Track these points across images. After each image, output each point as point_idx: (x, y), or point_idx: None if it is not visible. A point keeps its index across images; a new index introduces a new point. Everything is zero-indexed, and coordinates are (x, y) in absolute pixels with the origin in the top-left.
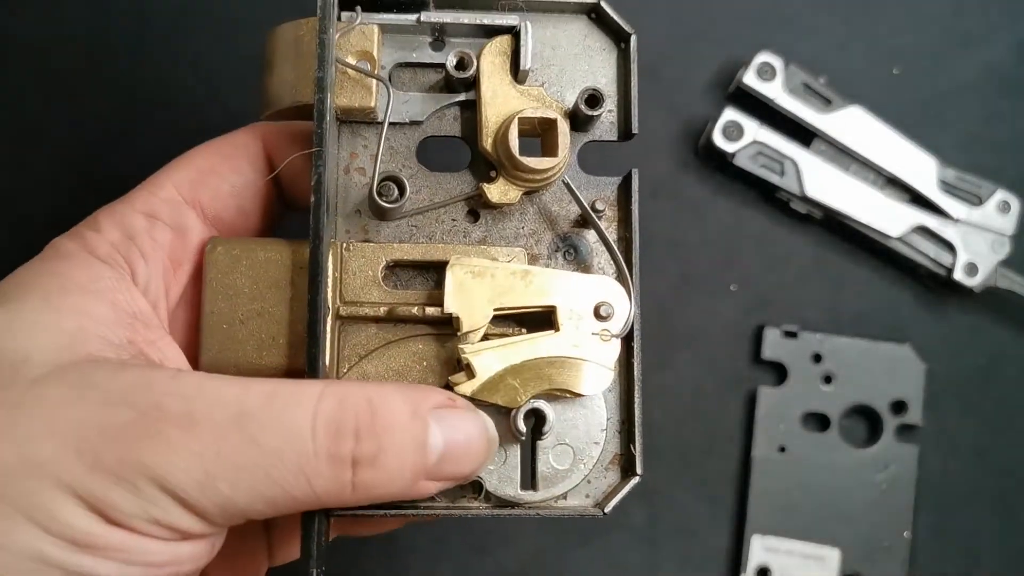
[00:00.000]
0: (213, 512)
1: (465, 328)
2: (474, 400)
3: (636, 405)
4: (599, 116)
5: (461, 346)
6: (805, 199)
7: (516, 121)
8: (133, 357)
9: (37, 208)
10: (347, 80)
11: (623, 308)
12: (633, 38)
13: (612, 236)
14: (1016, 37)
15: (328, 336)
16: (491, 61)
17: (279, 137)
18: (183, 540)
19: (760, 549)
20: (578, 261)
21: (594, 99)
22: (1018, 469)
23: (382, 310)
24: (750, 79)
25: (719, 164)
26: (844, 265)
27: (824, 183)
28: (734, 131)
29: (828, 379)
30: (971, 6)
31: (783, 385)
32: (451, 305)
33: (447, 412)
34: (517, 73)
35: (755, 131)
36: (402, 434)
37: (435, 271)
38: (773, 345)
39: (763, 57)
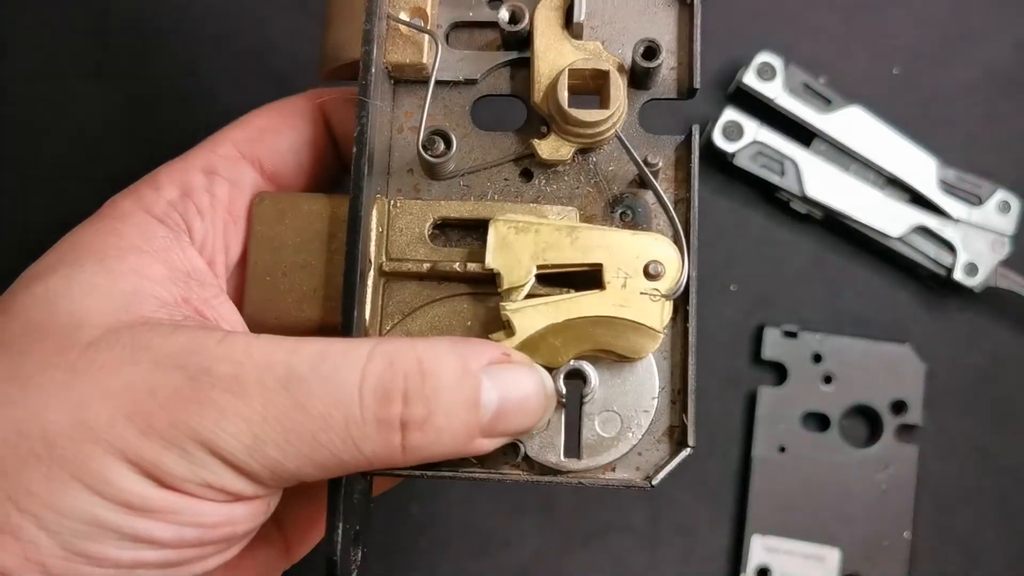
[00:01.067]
0: (264, 475)
1: (507, 285)
2: None
3: (690, 373)
4: (657, 69)
5: (503, 303)
6: (805, 199)
7: (567, 72)
8: (187, 317)
9: (38, 209)
10: (399, 37)
11: (675, 268)
12: None
13: (669, 198)
14: (1016, 37)
15: (370, 291)
16: (546, 16)
17: (335, 100)
18: (236, 501)
19: (760, 549)
20: (635, 223)
21: (651, 51)
22: (1018, 469)
23: (425, 267)
24: (750, 79)
25: (719, 164)
26: (844, 265)
27: (824, 183)
28: (734, 131)
29: (828, 379)
30: (971, 6)
31: (783, 385)
32: (492, 261)
33: (501, 368)
34: (572, 27)
35: (755, 131)
36: (453, 394)
37: (485, 232)
38: (773, 345)
39: (763, 57)
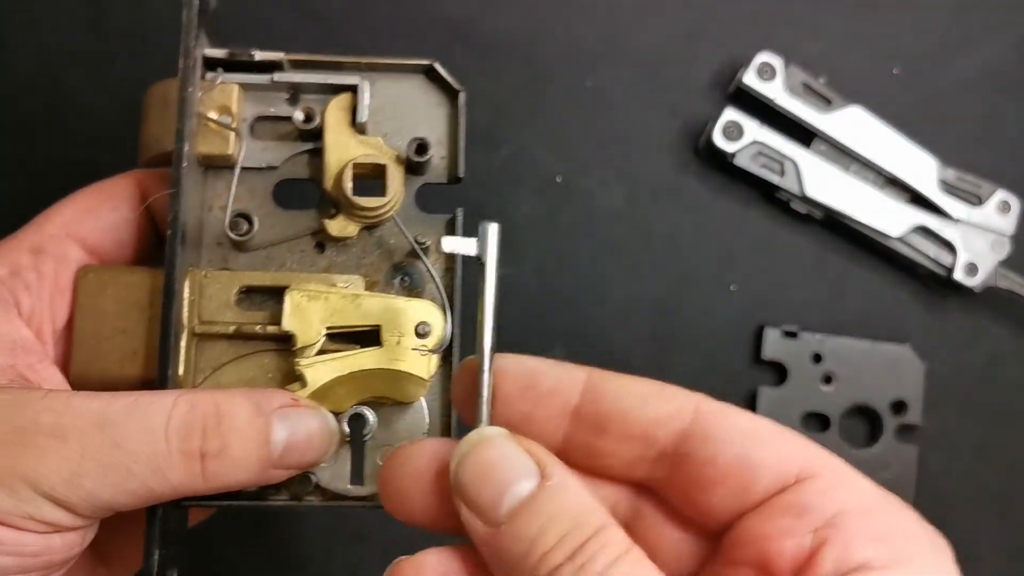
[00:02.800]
0: (81, 507)
1: (300, 344)
2: None
3: (453, 414)
4: (427, 161)
5: (297, 359)
6: (805, 199)
7: (350, 166)
8: (12, 381)
9: (38, 209)
10: (208, 131)
11: (439, 328)
12: (461, 95)
13: (440, 267)
14: (1016, 37)
15: (183, 351)
16: (335, 115)
17: (153, 181)
18: (55, 532)
19: None
20: (412, 286)
21: (421, 147)
22: (1018, 469)
23: (231, 328)
24: (750, 79)
25: (719, 164)
26: (844, 265)
27: (824, 183)
28: (734, 131)
29: (828, 379)
30: (971, 6)
31: (783, 385)
32: (288, 324)
33: (290, 411)
34: (357, 124)
35: (755, 131)
36: (245, 431)
37: (284, 296)
38: (773, 345)
39: (763, 57)
